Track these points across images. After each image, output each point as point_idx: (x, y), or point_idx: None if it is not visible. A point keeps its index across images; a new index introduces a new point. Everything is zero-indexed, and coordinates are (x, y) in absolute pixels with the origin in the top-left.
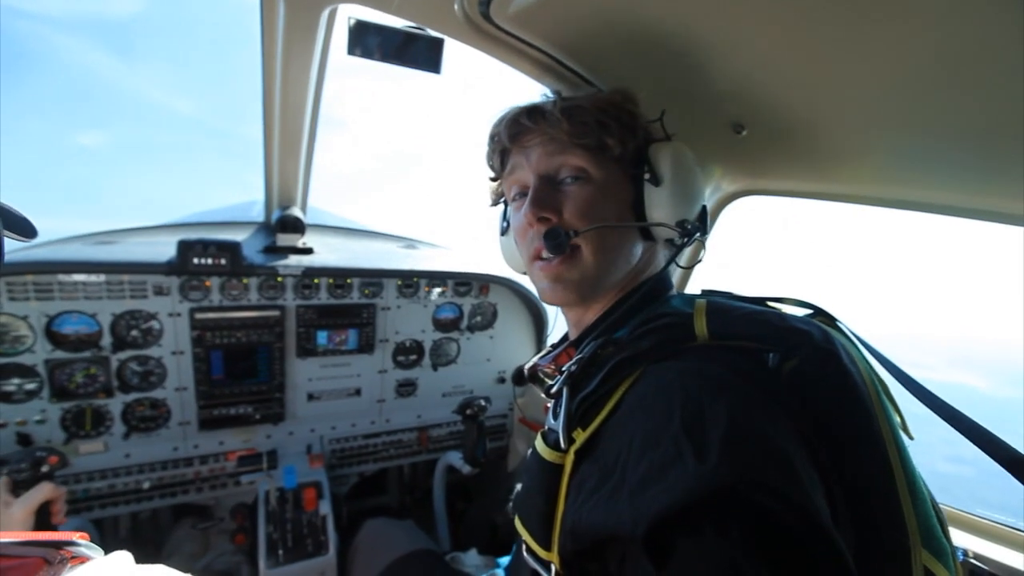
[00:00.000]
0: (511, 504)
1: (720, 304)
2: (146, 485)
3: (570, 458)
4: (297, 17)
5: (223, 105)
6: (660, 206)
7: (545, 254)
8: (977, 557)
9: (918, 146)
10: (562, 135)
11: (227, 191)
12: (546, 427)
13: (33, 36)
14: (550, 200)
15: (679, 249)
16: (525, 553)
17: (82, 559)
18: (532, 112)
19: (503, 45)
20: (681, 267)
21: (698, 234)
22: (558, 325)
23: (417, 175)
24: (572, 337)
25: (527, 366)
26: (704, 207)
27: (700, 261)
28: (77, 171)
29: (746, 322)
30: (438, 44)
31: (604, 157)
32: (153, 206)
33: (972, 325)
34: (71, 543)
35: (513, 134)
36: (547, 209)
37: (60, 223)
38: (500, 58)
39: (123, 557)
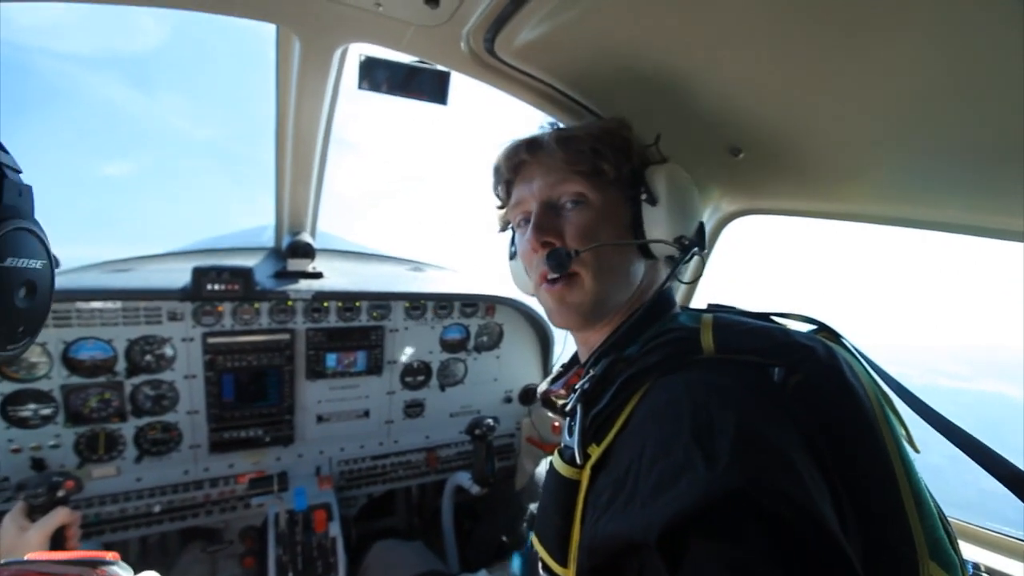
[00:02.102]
0: (526, 523)
1: (726, 319)
2: (157, 509)
3: (586, 474)
4: (311, 56)
5: (237, 131)
6: (657, 224)
7: (550, 276)
8: (988, 571)
9: (916, 164)
10: (559, 163)
11: (239, 213)
12: (562, 444)
13: (61, 74)
14: (552, 225)
15: (677, 264)
16: (541, 570)
17: None
18: (530, 145)
19: (507, 78)
20: (683, 283)
21: (696, 249)
22: (567, 346)
23: (426, 197)
24: (583, 358)
25: (540, 391)
26: (701, 223)
27: (701, 276)
28: (102, 200)
29: (752, 336)
30: (444, 77)
31: (601, 182)
32: (169, 231)
33: (1004, 334)
34: (105, 562)
35: (514, 166)
36: (549, 233)
37: (81, 250)
38: (505, 90)
39: None
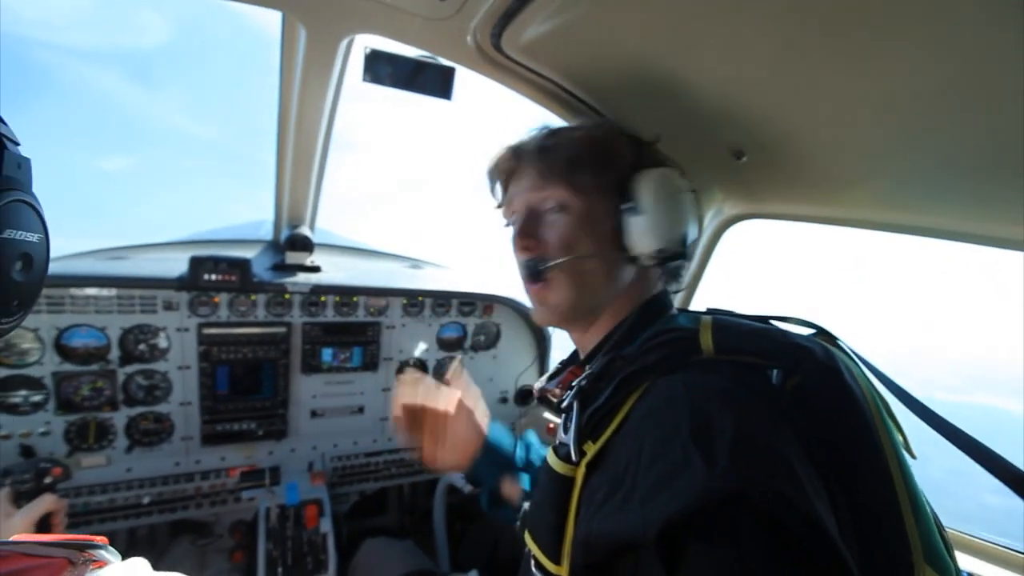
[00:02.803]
0: (520, 521)
1: (726, 321)
2: (146, 500)
3: (581, 471)
4: (317, 47)
5: (237, 130)
6: (639, 234)
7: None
8: None
9: (917, 171)
10: (538, 172)
11: (237, 212)
12: (557, 441)
13: (59, 67)
14: (532, 231)
15: (664, 275)
16: (534, 568)
17: (101, 563)
18: (515, 152)
19: (512, 74)
20: (672, 291)
21: (680, 260)
22: (564, 349)
23: (428, 199)
24: (581, 355)
25: (536, 388)
26: (685, 234)
27: (699, 281)
28: (99, 196)
29: (751, 338)
30: (449, 72)
31: (585, 189)
32: (166, 229)
33: (997, 345)
34: (93, 546)
35: (503, 171)
36: (528, 239)
37: (77, 243)
38: (509, 86)
39: (140, 563)
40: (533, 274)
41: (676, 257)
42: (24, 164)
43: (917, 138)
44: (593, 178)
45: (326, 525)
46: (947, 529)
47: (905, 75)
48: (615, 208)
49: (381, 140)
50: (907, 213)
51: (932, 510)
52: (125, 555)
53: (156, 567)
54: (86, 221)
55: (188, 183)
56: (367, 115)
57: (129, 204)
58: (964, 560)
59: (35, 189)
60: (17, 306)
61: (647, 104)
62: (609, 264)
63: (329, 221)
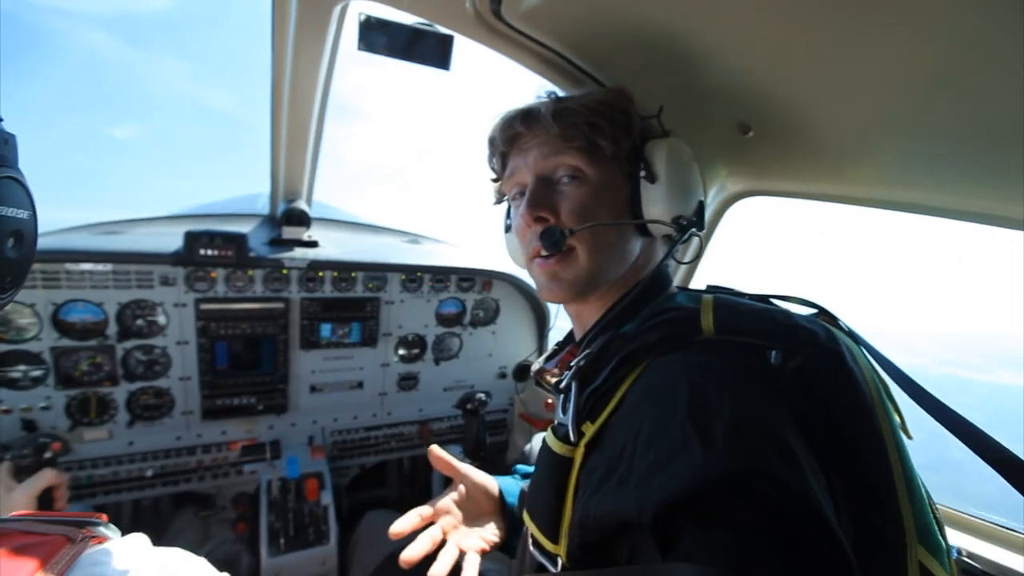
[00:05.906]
0: (519, 501)
1: (727, 300)
2: (149, 473)
3: (580, 451)
4: (308, 13)
5: (239, 98)
6: (656, 202)
7: (543, 252)
8: (971, 556)
9: (921, 149)
10: (555, 137)
11: (236, 182)
12: (556, 421)
13: (65, 32)
14: (546, 200)
15: (675, 244)
16: (531, 546)
17: (101, 539)
18: (526, 116)
19: (512, 43)
20: (680, 263)
21: (694, 229)
22: (561, 321)
23: (431, 168)
24: (577, 335)
25: (533, 369)
26: (701, 202)
27: (699, 257)
28: (106, 163)
29: (752, 318)
30: (447, 41)
31: (599, 156)
32: (161, 196)
33: (1015, 321)
34: (92, 522)
35: (509, 138)
36: (543, 209)
37: (67, 213)
38: (509, 55)
39: (140, 539)
40: (553, 244)
41: (691, 226)
42: (10, 140)
43: (924, 115)
44: (612, 145)
45: (327, 498)
46: (938, 506)
47: (913, 51)
48: (628, 176)
49: (386, 108)
50: (912, 191)
51: (926, 489)
52: (130, 526)
53: (161, 538)
54: (89, 189)
55: (192, 152)
56: (371, 81)
57: (134, 172)
58: (952, 535)
59: (43, 159)
60: (10, 282)
61: (651, 76)
62: (625, 234)
63: (332, 195)
